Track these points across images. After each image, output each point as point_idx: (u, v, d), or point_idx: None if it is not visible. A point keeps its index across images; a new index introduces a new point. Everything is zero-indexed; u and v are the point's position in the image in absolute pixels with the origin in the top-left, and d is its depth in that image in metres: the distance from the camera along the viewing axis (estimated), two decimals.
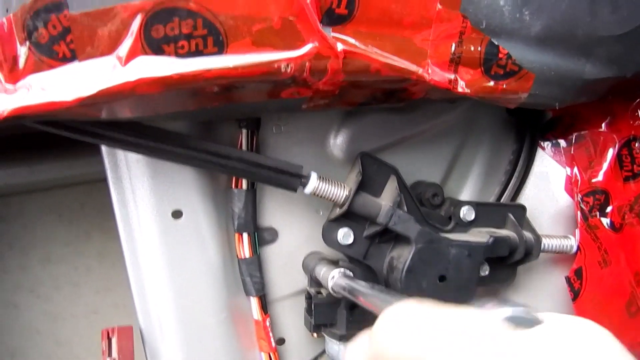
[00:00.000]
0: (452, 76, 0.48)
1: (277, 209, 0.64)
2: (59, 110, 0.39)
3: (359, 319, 0.61)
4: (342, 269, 0.57)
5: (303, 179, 0.56)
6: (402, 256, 0.58)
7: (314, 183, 0.56)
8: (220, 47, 0.40)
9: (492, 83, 0.49)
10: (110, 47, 0.39)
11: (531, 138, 0.70)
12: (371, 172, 0.59)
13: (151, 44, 0.39)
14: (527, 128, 0.71)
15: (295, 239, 0.65)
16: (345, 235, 0.59)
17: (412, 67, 0.45)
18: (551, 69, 0.50)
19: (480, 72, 0.48)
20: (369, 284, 0.53)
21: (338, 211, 0.58)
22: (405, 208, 0.59)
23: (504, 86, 0.49)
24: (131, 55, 0.39)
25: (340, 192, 0.57)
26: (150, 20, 0.39)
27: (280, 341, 0.67)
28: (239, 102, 0.47)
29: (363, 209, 0.57)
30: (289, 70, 0.42)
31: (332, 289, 0.56)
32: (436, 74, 0.47)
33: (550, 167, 0.70)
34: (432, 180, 0.68)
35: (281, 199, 0.64)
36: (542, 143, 0.71)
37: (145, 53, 0.39)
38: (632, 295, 0.69)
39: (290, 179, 0.56)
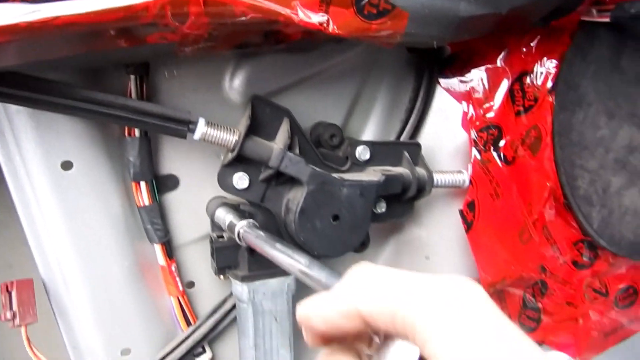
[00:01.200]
0: (324, 17, 0.48)
1: (176, 156, 0.64)
2: None
3: (260, 259, 0.63)
4: (247, 222, 0.58)
5: (191, 125, 0.56)
6: (296, 198, 0.60)
7: (201, 129, 0.56)
8: None
9: (365, 23, 0.49)
10: None
11: (430, 75, 0.72)
12: (263, 115, 0.60)
13: None
14: (426, 65, 0.72)
15: (197, 185, 0.65)
16: (240, 180, 0.60)
17: (279, 9, 0.45)
18: (425, 7, 0.50)
19: (352, 12, 0.48)
20: (271, 237, 0.53)
21: (230, 156, 0.58)
22: (297, 150, 0.60)
23: (378, 26, 0.50)
24: None
25: (230, 137, 0.57)
26: None
27: (190, 284, 0.69)
28: (107, 48, 0.46)
29: (254, 153, 0.58)
30: (147, 14, 0.41)
31: (238, 238, 0.58)
32: (306, 15, 0.47)
33: (449, 104, 0.72)
34: (334, 122, 0.69)
35: (180, 146, 0.64)
36: (440, 80, 0.72)
37: None
38: (524, 224, 0.74)
39: (177, 126, 0.56)
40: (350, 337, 0.34)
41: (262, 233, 0.55)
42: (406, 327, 0.29)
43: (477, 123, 0.70)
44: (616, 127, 0.73)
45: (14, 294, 0.57)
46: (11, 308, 0.57)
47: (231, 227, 0.59)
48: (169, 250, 0.65)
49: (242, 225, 0.58)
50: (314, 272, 0.42)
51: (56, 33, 0.40)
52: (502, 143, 0.71)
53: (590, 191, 0.74)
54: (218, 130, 0.57)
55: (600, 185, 0.75)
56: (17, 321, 0.56)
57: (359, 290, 0.33)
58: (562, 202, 0.75)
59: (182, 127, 0.56)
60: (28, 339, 0.56)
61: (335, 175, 0.61)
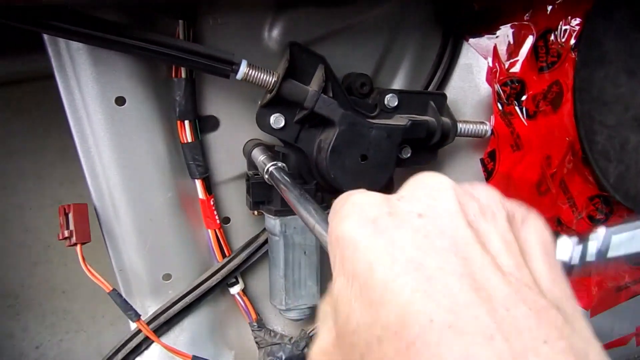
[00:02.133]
0: None
1: (218, 99, 0.69)
2: None
3: None
4: (276, 163, 0.62)
5: (234, 66, 0.61)
6: (328, 138, 0.64)
7: (244, 69, 0.60)
8: None
9: None
10: None
11: (457, 32, 0.75)
12: (300, 61, 0.64)
13: None
14: (453, 23, 0.75)
15: (236, 127, 0.71)
16: (276, 120, 0.65)
17: None
18: None
19: None
20: (294, 184, 0.56)
21: (268, 96, 0.63)
22: (330, 94, 0.64)
23: None
24: None
25: (269, 78, 0.62)
26: None
27: (226, 220, 0.74)
28: None
29: (291, 94, 0.63)
30: None
31: (267, 179, 0.62)
32: None
33: (474, 60, 0.76)
34: (365, 72, 0.73)
35: (222, 90, 0.69)
36: (467, 37, 0.76)
37: None
38: (542, 176, 0.77)
39: (222, 66, 0.60)
40: None
41: (287, 178, 0.58)
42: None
43: (501, 77, 0.73)
44: (636, 86, 0.76)
45: (70, 215, 0.63)
46: (68, 227, 0.63)
47: (262, 165, 0.64)
48: (209, 186, 0.70)
49: (270, 166, 0.62)
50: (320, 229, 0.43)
51: None
52: (524, 97, 0.74)
53: (608, 147, 0.77)
54: (259, 72, 0.61)
55: (618, 142, 0.78)
56: (73, 239, 0.62)
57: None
58: (580, 157, 0.78)
59: (226, 67, 0.60)
60: (82, 256, 0.62)
61: (366, 120, 0.65)
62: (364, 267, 0.25)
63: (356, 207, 0.28)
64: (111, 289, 0.64)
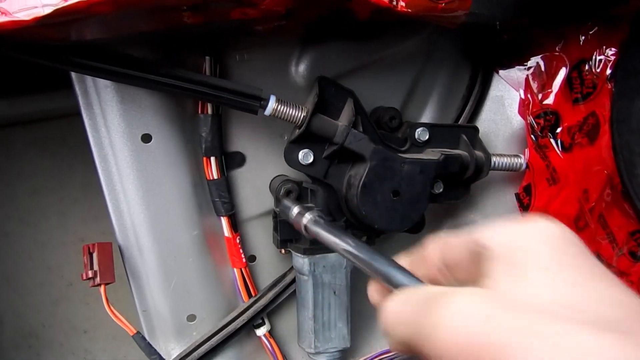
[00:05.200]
0: None
1: (244, 135, 0.68)
2: (21, 29, 0.43)
3: None
4: (313, 215, 0.56)
5: (262, 102, 0.59)
6: (359, 173, 0.62)
7: (272, 105, 0.59)
8: None
9: (432, 2, 0.52)
10: None
11: (487, 64, 0.74)
12: (329, 95, 0.63)
13: None
14: (483, 55, 0.74)
15: (262, 163, 0.69)
16: (305, 156, 0.63)
17: None
18: None
19: None
20: (339, 230, 0.50)
21: (297, 132, 0.61)
22: (360, 129, 0.62)
23: (444, 5, 0.52)
24: None
25: (298, 113, 0.60)
26: None
27: (252, 258, 0.72)
28: (194, 23, 0.50)
29: (321, 129, 0.61)
30: None
31: (305, 231, 0.56)
32: None
33: (505, 92, 0.74)
34: (394, 106, 0.71)
35: (248, 126, 0.68)
36: (498, 69, 0.74)
37: None
38: (580, 210, 0.74)
39: (250, 102, 0.59)
40: None
41: (328, 227, 0.52)
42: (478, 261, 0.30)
43: (534, 109, 0.71)
44: None
45: (94, 255, 0.62)
46: (92, 268, 0.61)
47: (297, 219, 0.57)
48: (234, 224, 0.69)
49: (307, 219, 0.56)
50: (386, 271, 0.39)
51: (158, 5, 0.45)
52: (559, 130, 0.72)
53: None
54: (288, 107, 0.60)
55: None
56: (97, 280, 0.61)
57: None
58: (619, 190, 0.75)
59: (254, 102, 0.59)
60: (106, 298, 0.61)
61: (397, 154, 0.63)
62: None
63: None
64: (135, 331, 0.62)
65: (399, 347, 0.31)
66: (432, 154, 0.66)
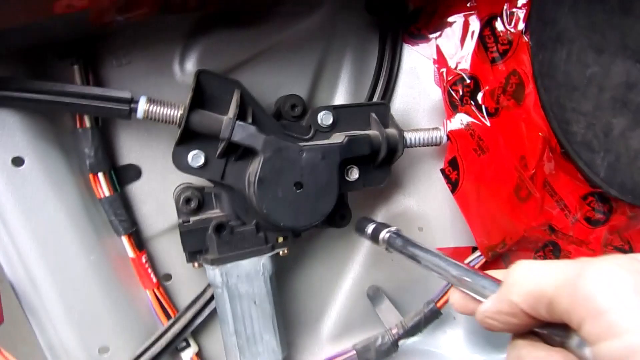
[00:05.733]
0: None
1: (136, 146, 0.63)
2: None
3: (228, 240, 0.60)
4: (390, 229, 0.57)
5: (133, 105, 0.54)
6: (254, 169, 0.57)
7: (143, 106, 0.54)
8: None
9: None
10: None
11: (394, 35, 0.68)
12: (213, 89, 0.57)
13: None
14: (389, 25, 0.68)
15: (161, 173, 0.64)
16: (195, 158, 0.58)
17: None
18: None
19: None
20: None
21: (179, 132, 0.56)
22: (249, 120, 0.57)
23: None
24: None
25: (174, 112, 0.55)
26: None
27: (167, 277, 0.66)
28: (15, 23, 0.45)
29: (203, 126, 0.56)
30: None
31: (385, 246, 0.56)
32: None
33: (418, 63, 0.68)
34: (299, 94, 0.66)
35: (139, 136, 0.63)
36: (407, 38, 0.68)
37: None
38: (519, 179, 0.68)
39: (120, 106, 0.54)
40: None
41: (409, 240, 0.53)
42: (564, 310, 0.32)
43: (450, 77, 0.65)
44: (608, 63, 0.67)
45: None
46: None
47: (375, 235, 0.58)
48: (138, 242, 0.63)
49: (386, 233, 0.56)
50: (470, 279, 0.43)
51: None
52: (480, 95, 0.66)
53: (590, 136, 0.68)
54: (162, 107, 0.55)
55: (600, 129, 0.68)
56: None
57: (514, 287, 0.35)
58: (559, 152, 0.69)
59: (123, 106, 0.54)
60: None
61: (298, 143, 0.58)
62: None
63: None
64: None
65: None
66: (337, 138, 0.60)
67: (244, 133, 0.56)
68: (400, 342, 0.68)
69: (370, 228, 0.59)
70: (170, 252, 0.66)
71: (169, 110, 0.55)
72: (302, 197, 0.57)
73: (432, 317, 0.67)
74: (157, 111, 0.55)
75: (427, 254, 0.49)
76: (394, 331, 0.68)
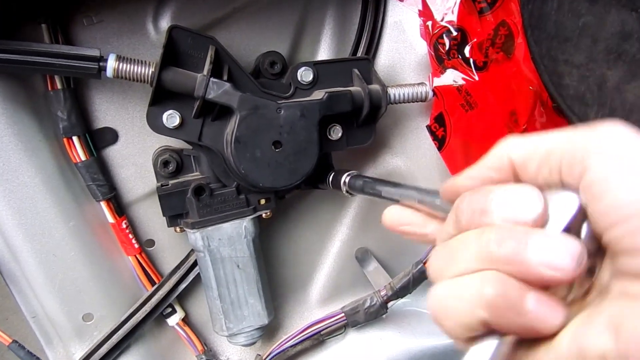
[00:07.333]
0: None
1: (112, 108, 0.61)
2: None
3: (208, 203, 0.59)
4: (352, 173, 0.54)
5: (102, 63, 0.52)
6: (231, 128, 0.55)
7: (112, 64, 0.52)
8: None
9: None
10: None
11: None
12: (186, 46, 0.55)
13: None
14: None
15: (139, 136, 0.62)
16: (170, 118, 0.56)
17: None
18: None
19: None
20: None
21: (152, 91, 0.54)
22: (225, 78, 0.55)
23: None
24: None
25: (145, 70, 0.53)
26: None
27: (149, 243, 0.65)
28: None
29: (176, 84, 0.54)
30: None
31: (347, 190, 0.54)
32: None
33: (404, 16, 0.65)
34: (281, 51, 0.63)
35: (115, 98, 0.61)
36: None
37: None
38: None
39: (88, 64, 0.52)
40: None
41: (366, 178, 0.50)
42: (565, 164, 0.27)
43: (436, 30, 0.63)
44: (601, 12, 0.64)
45: None
46: None
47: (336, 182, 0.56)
48: (117, 207, 0.62)
49: (347, 177, 0.54)
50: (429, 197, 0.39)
51: None
52: (467, 48, 0.63)
53: (583, 89, 0.65)
54: (133, 65, 0.53)
55: (594, 82, 0.65)
56: None
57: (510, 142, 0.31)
58: (551, 107, 0.66)
59: (92, 64, 0.52)
60: None
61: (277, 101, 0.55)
62: None
63: None
64: (10, 340, 0.55)
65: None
66: (317, 95, 0.58)
67: (219, 90, 0.54)
68: (390, 304, 0.67)
69: (330, 176, 0.57)
70: (152, 217, 0.64)
71: (140, 68, 0.53)
72: (281, 157, 0.55)
73: (421, 278, 0.66)
74: (128, 69, 0.52)
75: (386, 186, 0.44)
76: (383, 293, 0.67)
